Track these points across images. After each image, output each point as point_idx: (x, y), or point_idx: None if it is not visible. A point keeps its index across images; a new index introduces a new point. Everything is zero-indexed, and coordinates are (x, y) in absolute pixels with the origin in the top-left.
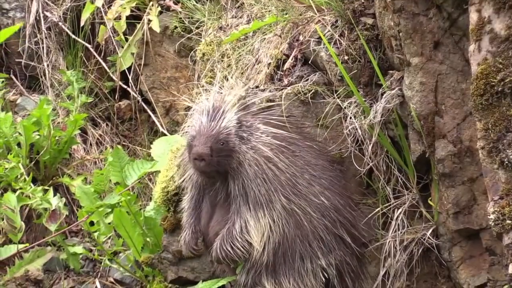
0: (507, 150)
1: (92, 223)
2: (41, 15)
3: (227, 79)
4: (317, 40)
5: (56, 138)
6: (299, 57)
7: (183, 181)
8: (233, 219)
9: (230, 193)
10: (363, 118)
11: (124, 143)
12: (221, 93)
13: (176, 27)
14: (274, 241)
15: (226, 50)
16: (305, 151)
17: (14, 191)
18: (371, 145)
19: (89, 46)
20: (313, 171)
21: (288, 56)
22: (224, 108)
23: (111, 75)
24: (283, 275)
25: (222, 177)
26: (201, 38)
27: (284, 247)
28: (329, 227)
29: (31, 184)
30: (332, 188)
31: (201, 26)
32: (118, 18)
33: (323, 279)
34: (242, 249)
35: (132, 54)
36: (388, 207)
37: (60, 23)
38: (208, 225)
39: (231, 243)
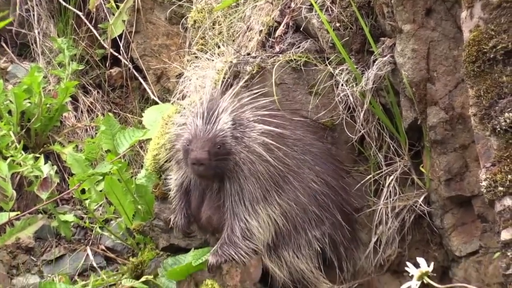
0: (499, 117)
1: (83, 191)
2: None
3: (219, 47)
4: (308, 7)
5: (47, 105)
6: (290, 24)
7: (176, 178)
8: (230, 223)
9: (226, 191)
10: (354, 85)
11: (115, 111)
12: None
13: None
14: (274, 230)
15: (217, 17)
16: (296, 133)
17: (5, 158)
18: (363, 112)
19: (80, 13)
20: (304, 155)
21: (279, 23)
22: (218, 109)
23: (102, 42)
24: (282, 252)
25: (219, 178)
26: (192, 5)
27: (283, 232)
28: (324, 208)
29: (22, 152)
30: (324, 167)
31: None
32: None
33: (319, 249)
34: (245, 255)
35: (123, 21)
36: (380, 174)
37: None
38: (199, 209)
39: (234, 250)
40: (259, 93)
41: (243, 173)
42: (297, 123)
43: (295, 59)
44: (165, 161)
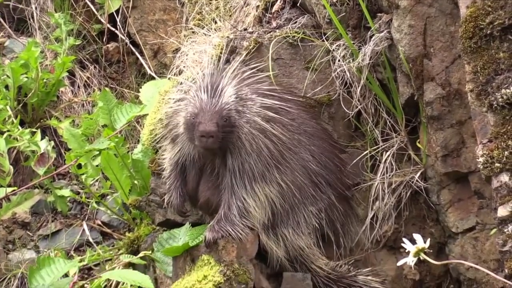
0: (496, 93)
1: (79, 166)
2: None
3: (215, 22)
4: None
5: (44, 80)
6: None
7: (170, 157)
8: (227, 200)
9: (227, 167)
10: (351, 60)
11: (112, 86)
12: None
13: None
14: (271, 209)
15: None
16: (291, 112)
17: (1, 133)
18: (360, 87)
19: None
20: (300, 135)
21: None
22: (222, 83)
23: (99, 17)
24: (281, 230)
25: (222, 152)
26: None
27: (281, 211)
28: (319, 187)
29: (19, 127)
30: (319, 146)
31: None
32: None
33: (316, 225)
34: (242, 232)
35: None
36: (377, 150)
37: None
38: (196, 190)
39: (231, 227)
40: (257, 68)
41: (245, 148)
42: (291, 102)
43: (292, 35)
44: (161, 139)
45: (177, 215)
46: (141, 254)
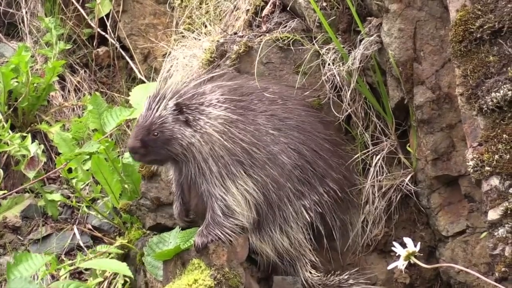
0: (486, 97)
1: (70, 170)
2: None
3: (206, 26)
4: None
5: (35, 85)
6: (277, 3)
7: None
8: (209, 204)
9: (189, 175)
10: (341, 64)
11: (102, 90)
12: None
13: None
14: (255, 205)
15: None
16: (270, 108)
17: None
18: (350, 91)
19: None
20: (278, 130)
21: (266, 3)
22: (166, 95)
23: (90, 21)
24: (268, 229)
25: (172, 162)
26: None
27: (265, 208)
28: (300, 179)
29: (9, 131)
30: (302, 139)
31: None
32: None
33: (308, 219)
34: (231, 233)
35: (110, 0)
36: (367, 154)
37: None
38: (190, 197)
39: (220, 230)
40: (220, 76)
41: (198, 157)
42: (271, 99)
43: (282, 38)
44: None
45: (182, 223)
46: (117, 243)
